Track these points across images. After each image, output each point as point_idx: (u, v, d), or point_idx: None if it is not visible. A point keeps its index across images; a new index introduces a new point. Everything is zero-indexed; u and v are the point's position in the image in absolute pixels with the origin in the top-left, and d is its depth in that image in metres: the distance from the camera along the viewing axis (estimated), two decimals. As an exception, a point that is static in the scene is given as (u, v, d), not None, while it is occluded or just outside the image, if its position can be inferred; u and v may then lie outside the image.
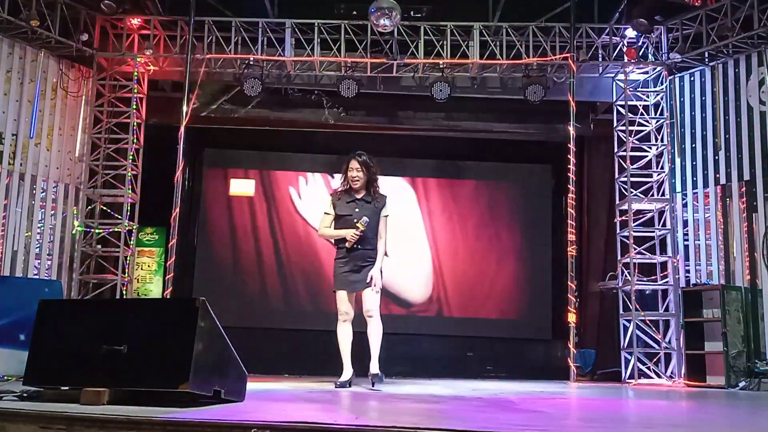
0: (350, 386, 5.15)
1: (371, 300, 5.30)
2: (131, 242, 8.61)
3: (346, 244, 5.27)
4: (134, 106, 8.65)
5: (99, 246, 8.51)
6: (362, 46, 8.58)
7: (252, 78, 8.49)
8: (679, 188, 8.41)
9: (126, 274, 8.47)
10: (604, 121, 9.47)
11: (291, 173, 10.11)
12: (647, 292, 8.44)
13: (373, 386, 5.12)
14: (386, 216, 5.39)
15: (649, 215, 8.50)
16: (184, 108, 8.48)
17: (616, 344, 8.36)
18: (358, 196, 5.39)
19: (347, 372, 5.28)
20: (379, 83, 8.97)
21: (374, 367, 5.20)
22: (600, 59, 8.65)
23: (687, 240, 8.25)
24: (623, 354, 8.13)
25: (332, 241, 5.49)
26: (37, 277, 8.00)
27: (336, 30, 8.59)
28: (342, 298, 5.35)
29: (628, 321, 8.11)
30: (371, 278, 5.24)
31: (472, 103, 9.40)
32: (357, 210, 5.30)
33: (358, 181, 5.35)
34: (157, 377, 3.05)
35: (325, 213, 5.42)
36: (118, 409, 2.74)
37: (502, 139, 9.99)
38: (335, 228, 5.39)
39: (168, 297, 7.97)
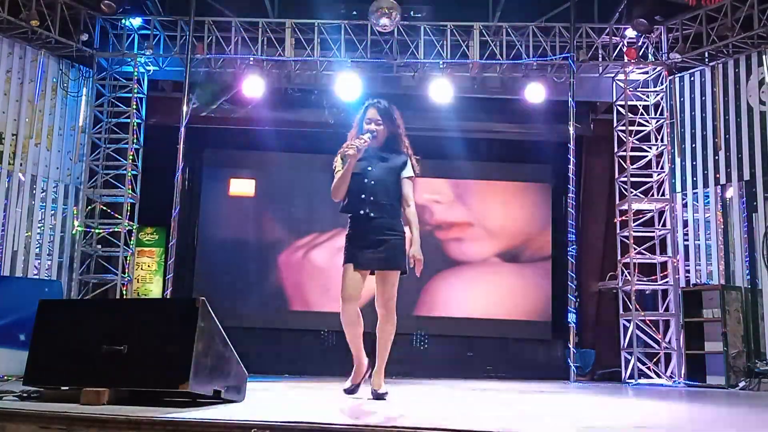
0: (357, 391, 4.22)
1: (390, 285, 4.08)
2: (131, 242, 8.61)
3: (353, 151, 4.05)
4: (134, 106, 8.64)
5: (99, 246, 8.51)
6: (362, 46, 8.58)
7: (252, 78, 8.50)
8: (679, 188, 8.40)
9: (126, 274, 8.47)
10: (604, 121, 9.47)
11: (291, 173, 10.10)
12: (647, 292, 8.44)
13: (376, 398, 4.10)
14: (409, 177, 4.24)
15: (649, 215, 8.50)
16: (184, 108, 8.48)
17: (616, 344, 8.36)
18: (374, 152, 4.26)
19: (360, 368, 4.23)
20: (379, 83, 8.97)
21: (378, 382, 4.15)
22: (600, 59, 8.65)
23: (687, 240, 8.25)
24: (623, 354, 8.13)
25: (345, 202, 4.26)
26: (37, 277, 8.00)
27: (336, 30, 8.59)
28: (349, 274, 4.09)
29: (628, 321, 8.11)
30: (413, 259, 4.03)
31: (472, 103, 9.39)
32: (370, 169, 4.18)
33: (375, 136, 4.23)
34: (157, 377, 3.05)
35: (336, 172, 4.26)
36: (118, 409, 2.74)
37: (502, 139, 9.98)
38: (346, 196, 4.22)
39: (168, 297, 7.96)
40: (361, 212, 4.13)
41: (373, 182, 4.18)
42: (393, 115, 4.30)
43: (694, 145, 8.33)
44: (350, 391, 4.19)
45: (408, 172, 4.24)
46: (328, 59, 8.63)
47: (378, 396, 4.04)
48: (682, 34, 8.30)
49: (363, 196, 4.16)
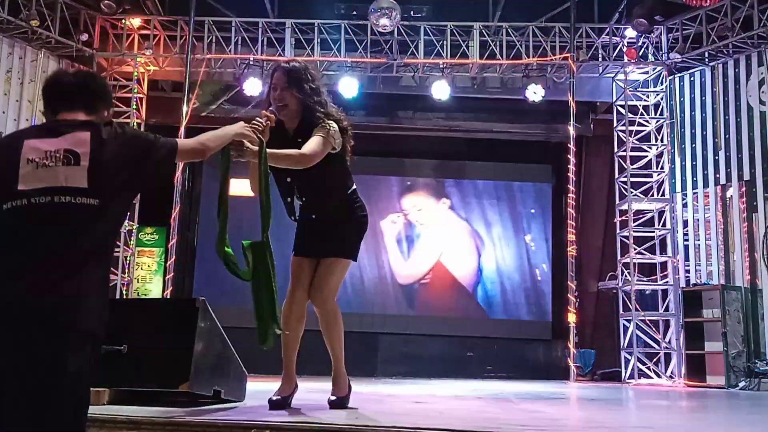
0: (290, 405, 3.26)
1: (325, 271, 3.42)
2: (131, 242, 8.60)
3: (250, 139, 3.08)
4: (134, 106, 8.64)
5: (99, 246, 8.49)
6: (362, 46, 8.58)
7: (252, 78, 8.50)
8: (679, 188, 8.40)
9: (126, 274, 8.46)
10: (604, 121, 9.48)
11: (291, 173, 10.09)
12: (647, 292, 8.44)
13: (332, 407, 3.30)
14: (321, 135, 3.20)
15: (649, 215, 8.50)
16: (184, 108, 8.48)
17: (616, 344, 8.36)
18: (291, 133, 3.31)
19: (287, 383, 3.33)
20: (379, 83, 8.97)
21: (338, 387, 3.37)
22: (600, 59, 8.65)
23: (687, 240, 8.25)
24: (623, 354, 8.12)
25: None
26: (37, 277, 7.99)
27: (336, 30, 8.58)
28: (295, 264, 3.65)
29: (628, 321, 8.10)
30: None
31: (472, 103, 9.39)
32: None
33: (283, 107, 3.24)
34: (157, 377, 3.05)
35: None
36: (118, 409, 2.74)
37: (502, 139, 9.98)
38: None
39: (168, 297, 7.96)
40: (294, 219, 3.56)
41: (299, 181, 3.35)
42: (305, 78, 3.25)
43: (694, 145, 8.33)
44: (278, 405, 3.18)
45: (321, 131, 3.19)
46: (328, 59, 8.63)
47: (336, 404, 3.29)
48: (682, 34, 8.30)
49: (289, 199, 3.45)
